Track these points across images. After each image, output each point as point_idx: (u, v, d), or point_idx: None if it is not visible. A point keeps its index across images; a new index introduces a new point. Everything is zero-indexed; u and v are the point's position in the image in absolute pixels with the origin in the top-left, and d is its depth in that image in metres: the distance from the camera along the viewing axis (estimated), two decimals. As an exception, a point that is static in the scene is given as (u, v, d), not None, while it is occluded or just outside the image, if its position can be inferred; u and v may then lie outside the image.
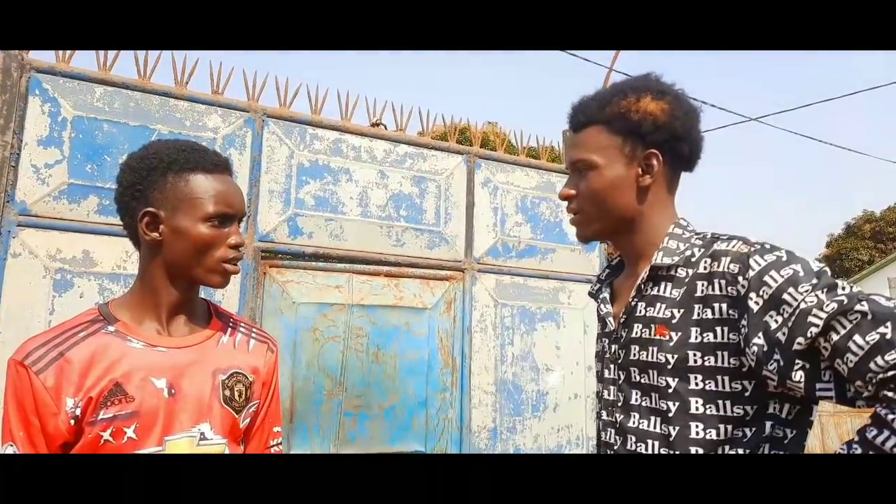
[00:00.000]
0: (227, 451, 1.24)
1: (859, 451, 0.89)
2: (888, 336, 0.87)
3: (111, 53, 2.75)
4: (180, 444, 1.18)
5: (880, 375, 0.87)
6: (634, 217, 1.21)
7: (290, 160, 3.07)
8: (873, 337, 0.88)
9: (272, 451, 1.38)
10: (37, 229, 2.53)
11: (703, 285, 1.09)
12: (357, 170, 3.23)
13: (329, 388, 2.98)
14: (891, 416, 0.85)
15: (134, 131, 2.73)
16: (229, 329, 1.33)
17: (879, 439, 0.86)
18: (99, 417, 1.11)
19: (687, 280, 1.12)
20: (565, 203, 1.30)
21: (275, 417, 1.40)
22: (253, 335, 1.37)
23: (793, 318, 0.95)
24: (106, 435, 1.11)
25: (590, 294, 1.41)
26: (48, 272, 2.52)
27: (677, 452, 1.07)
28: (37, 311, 2.47)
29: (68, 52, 2.69)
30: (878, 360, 0.87)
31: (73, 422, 1.11)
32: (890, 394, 0.86)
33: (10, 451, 1.10)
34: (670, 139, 1.17)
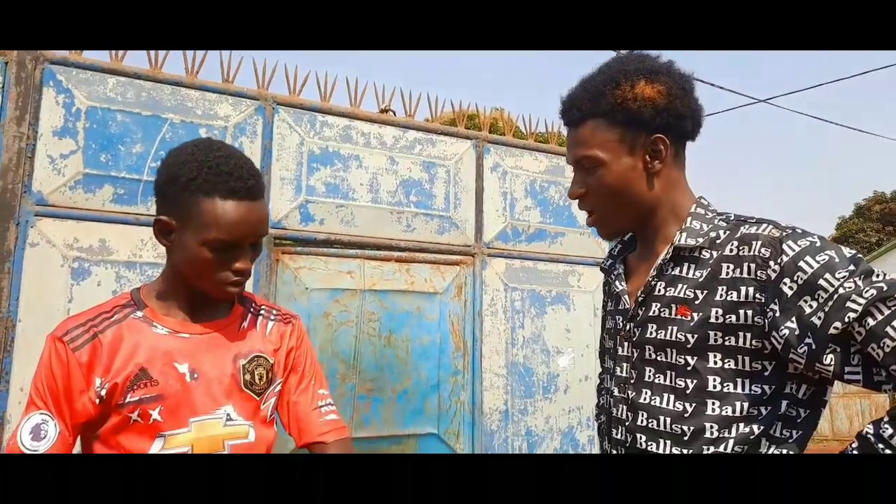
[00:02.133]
0: (252, 433, 1.28)
1: (890, 431, 0.90)
2: None
3: (122, 44, 2.78)
4: (206, 425, 1.23)
5: None
6: (651, 203, 1.19)
7: (300, 147, 3.09)
8: None
9: (323, 410, 1.40)
10: (54, 219, 2.57)
11: (728, 268, 1.08)
12: (367, 156, 3.25)
13: (342, 372, 3.03)
14: None
15: (146, 121, 2.76)
16: (250, 314, 1.37)
17: None
18: (126, 401, 1.17)
19: (711, 262, 1.11)
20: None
21: (319, 381, 1.42)
22: (272, 317, 1.40)
23: (830, 304, 0.96)
24: (134, 416, 1.17)
25: (602, 269, 1.40)
26: (66, 261, 2.56)
27: (690, 428, 1.07)
28: (56, 299, 2.52)
29: (80, 42, 2.72)
30: None
31: (98, 401, 1.16)
32: None
33: (37, 418, 1.15)
34: (673, 119, 1.15)
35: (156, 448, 1.18)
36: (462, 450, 3.26)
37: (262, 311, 1.39)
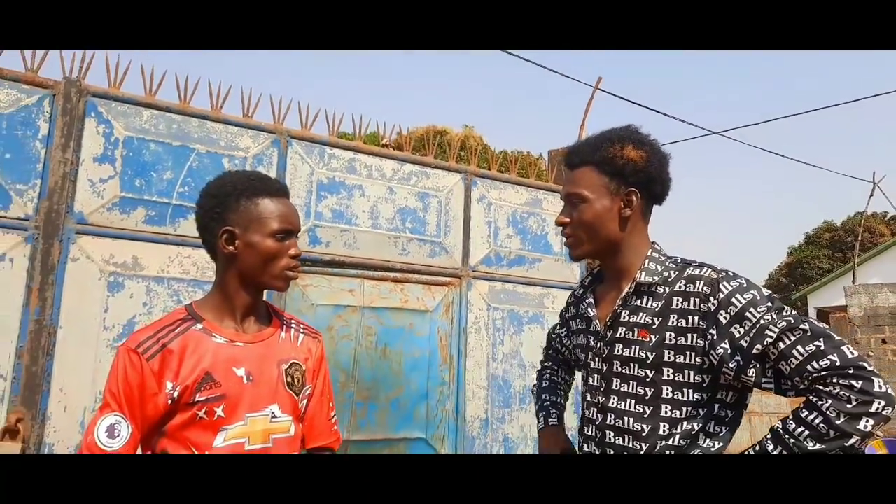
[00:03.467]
0: (293, 428, 1.50)
1: (793, 425, 1.22)
2: (822, 348, 1.22)
3: (156, 80, 3.09)
4: (257, 420, 1.43)
5: (814, 375, 1.20)
6: (617, 241, 1.50)
7: (310, 177, 3.43)
8: (811, 348, 1.23)
9: (333, 422, 1.67)
10: (93, 237, 2.85)
11: (678, 300, 1.40)
12: (369, 186, 3.60)
13: (343, 380, 3.35)
14: (819, 402, 1.20)
15: (176, 150, 3.07)
16: (285, 326, 1.60)
17: (810, 418, 1.20)
18: (195, 400, 1.36)
19: (665, 295, 1.42)
20: (552, 218, 1.65)
21: (330, 396, 1.68)
22: (301, 330, 1.64)
23: (753, 331, 1.29)
24: (201, 413, 1.36)
25: (575, 296, 1.72)
26: (103, 275, 2.84)
27: (648, 426, 1.39)
28: (93, 309, 2.80)
29: (120, 77, 3.01)
30: (814, 363, 1.21)
31: (170, 401, 1.34)
32: (819, 387, 1.20)
33: (112, 419, 1.32)
34: (646, 180, 1.47)
35: (219, 440, 1.38)
36: (446, 453, 3.61)
37: (293, 324, 1.64)
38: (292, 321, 1.65)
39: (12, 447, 2.53)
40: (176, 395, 1.35)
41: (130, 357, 1.35)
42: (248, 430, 1.42)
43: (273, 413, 1.47)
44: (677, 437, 1.37)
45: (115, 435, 1.31)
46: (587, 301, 1.61)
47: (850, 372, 1.18)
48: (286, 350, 1.55)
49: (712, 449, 1.37)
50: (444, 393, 3.65)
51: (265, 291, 1.56)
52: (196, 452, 1.37)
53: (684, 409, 1.37)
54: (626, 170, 1.46)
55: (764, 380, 1.30)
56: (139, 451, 1.39)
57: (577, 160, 1.53)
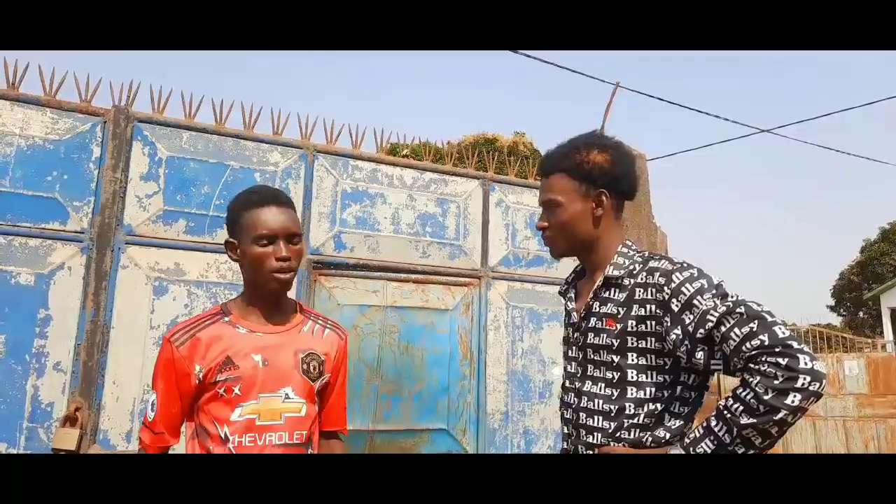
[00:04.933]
0: (304, 409, 1.68)
1: (731, 402, 1.33)
2: (754, 329, 1.29)
3: (195, 104, 3.43)
4: (270, 400, 1.63)
5: (747, 354, 1.29)
6: (592, 239, 1.63)
7: (335, 187, 3.71)
8: (746, 329, 1.30)
9: (346, 408, 1.87)
10: (140, 246, 3.19)
11: (640, 291, 1.52)
12: (390, 194, 3.86)
13: (368, 375, 3.60)
14: (750, 380, 1.27)
15: (213, 167, 3.40)
16: (310, 321, 1.78)
17: (743, 394, 1.31)
18: (217, 379, 1.58)
19: (629, 287, 1.54)
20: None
21: (345, 387, 1.87)
22: (328, 326, 1.82)
23: (698, 317, 1.39)
24: (221, 391, 1.58)
25: (560, 293, 1.84)
26: (149, 280, 3.18)
27: (616, 407, 1.51)
28: (141, 310, 3.14)
29: (162, 103, 3.36)
30: (747, 344, 1.29)
31: (197, 381, 1.55)
32: (752, 365, 1.28)
33: (153, 396, 1.58)
34: (613, 180, 1.60)
35: (235, 414, 1.59)
36: (468, 444, 3.82)
37: (319, 320, 1.82)
38: (319, 318, 1.83)
39: (73, 433, 2.88)
40: (202, 375, 1.58)
41: (166, 345, 1.61)
42: (260, 407, 1.61)
43: (287, 394, 1.66)
44: (642, 416, 1.48)
45: (154, 408, 1.59)
46: (569, 295, 1.75)
47: (778, 350, 1.26)
48: (306, 341, 1.73)
49: (674, 427, 1.48)
50: (465, 386, 3.86)
51: (294, 292, 1.75)
52: (217, 424, 1.59)
53: (648, 390, 1.48)
54: (594, 173, 1.58)
55: (713, 362, 1.40)
56: (184, 423, 1.64)
57: (549, 168, 1.65)
